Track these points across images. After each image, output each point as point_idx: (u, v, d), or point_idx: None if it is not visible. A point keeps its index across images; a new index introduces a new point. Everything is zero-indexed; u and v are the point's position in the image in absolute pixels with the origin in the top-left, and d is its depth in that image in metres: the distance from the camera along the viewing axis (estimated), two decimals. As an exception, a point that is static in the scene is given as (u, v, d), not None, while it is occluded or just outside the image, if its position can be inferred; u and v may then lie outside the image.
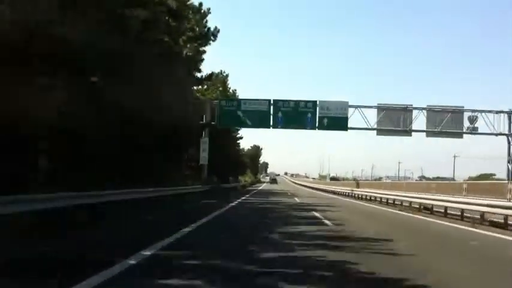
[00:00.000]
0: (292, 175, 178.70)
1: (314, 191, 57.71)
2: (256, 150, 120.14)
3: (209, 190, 30.77)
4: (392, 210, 20.10)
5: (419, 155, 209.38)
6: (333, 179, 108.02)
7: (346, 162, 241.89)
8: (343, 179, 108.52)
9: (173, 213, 15.64)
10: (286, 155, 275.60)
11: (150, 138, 20.48)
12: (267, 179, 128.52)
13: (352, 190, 33.98)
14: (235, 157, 57.17)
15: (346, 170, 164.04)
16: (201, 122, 34.28)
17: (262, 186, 73.98)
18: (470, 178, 57.04)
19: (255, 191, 47.70)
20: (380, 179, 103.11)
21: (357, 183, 34.72)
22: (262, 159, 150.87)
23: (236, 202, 23.63)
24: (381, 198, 26.27)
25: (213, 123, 34.57)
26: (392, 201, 23.57)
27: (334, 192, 44.91)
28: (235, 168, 60.54)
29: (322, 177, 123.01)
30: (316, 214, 15.97)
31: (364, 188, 33.79)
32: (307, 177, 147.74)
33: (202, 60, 26.12)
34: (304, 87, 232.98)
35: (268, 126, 34.69)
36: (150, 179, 21.55)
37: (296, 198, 30.38)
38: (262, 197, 32.86)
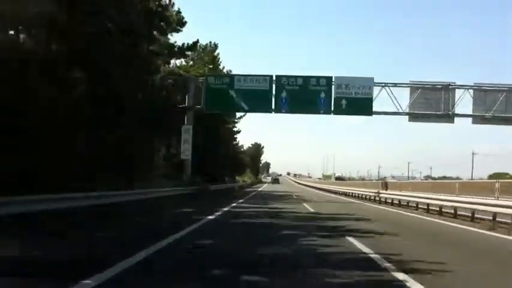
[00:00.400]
0: (295, 175, 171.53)
1: (322, 192, 49.90)
2: (257, 149, 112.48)
3: (192, 193, 23.19)
4: (484, 232, 12.23)
5: (429, 153, 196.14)
6: (339, 178, 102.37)
7: (350, 162, 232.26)
8: (349, 179, 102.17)
9: (100, 238, 8.00)
10: (288, 155, 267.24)
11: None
12: (269, 179, 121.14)
13: (379, 193, 26.06)
14: (232, 153, 49.36)
15: (349, 170, 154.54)
16: (181, 106, 26.54)
17: (263, 187, 66.14)
18: None
19: (253, 193, 39.95)
20: (384, 178, 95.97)
21: (385, 183, 26.72)
22: (263, 159, 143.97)
23: (221, 211, 15.95)
24: (428, 205, 18.38)
25: (198, 106, 26.82)
26: (453, 211, 15.78)
27: (347, 195, 37.09)
28: (232, 166, 52.62)
29: (326, 177, 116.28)
30: (361, 247, 8.03)
31: (395, 189, 25.84)
32: (309, 177, 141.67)
33: (173, 6, 18.26)
34: (317, 62, 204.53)
35: (269, 110, 26.93)
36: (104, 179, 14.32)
37: (306, 205, 22.51)
38: (261, 202, 25.03)
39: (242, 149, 69.00)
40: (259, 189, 58.29)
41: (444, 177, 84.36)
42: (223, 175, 41.27)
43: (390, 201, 23.77)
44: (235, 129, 48.25)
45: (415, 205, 19.93)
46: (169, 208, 16.15)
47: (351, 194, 36.10)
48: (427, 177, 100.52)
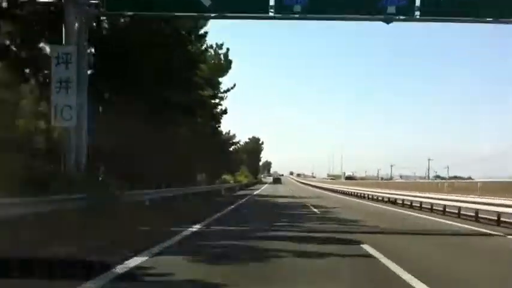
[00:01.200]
0: (298, 175, 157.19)
1: (340, 196, 35.67)
2: (255, 144, 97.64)
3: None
4: None
5: (449, 152, 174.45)
6: (349, 178, 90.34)
7: (353, 161, 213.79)
8: (361, 179, 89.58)
9: None
10: (290, 151, 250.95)
11: None
12: (270, 179, 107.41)
13: None
14: (214, 141, 33.76)
15: (355, 169, 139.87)
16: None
17: (261, 190, 50.94)
18: None
19: (244, 200, 25.43)
20: (391, 178, 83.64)
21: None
22: (264, 158, 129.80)
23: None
24: None
25: (93, 1, 11.52)
26: None
27: (389, 202, 22.39)
28: (217, 161, 36.89)
29: (335, 177, 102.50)
30: None
31: None
32: (313, 176, 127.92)
33: None
34: None
35: (262, 10, 11.43)
36: None
37: (384, 260, 7.00)
38: (244, 230, 9.63)
39: (234, 140, 53.39)
40: (256, 192, 43.51)
41: (455, 177, 70.68)
42: (194, 171, 25.81)
43: None
44: (220, 106, 32.78)
45: None
46: None
47: (396, 201, 20.97)
48: (437, 177, 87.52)
